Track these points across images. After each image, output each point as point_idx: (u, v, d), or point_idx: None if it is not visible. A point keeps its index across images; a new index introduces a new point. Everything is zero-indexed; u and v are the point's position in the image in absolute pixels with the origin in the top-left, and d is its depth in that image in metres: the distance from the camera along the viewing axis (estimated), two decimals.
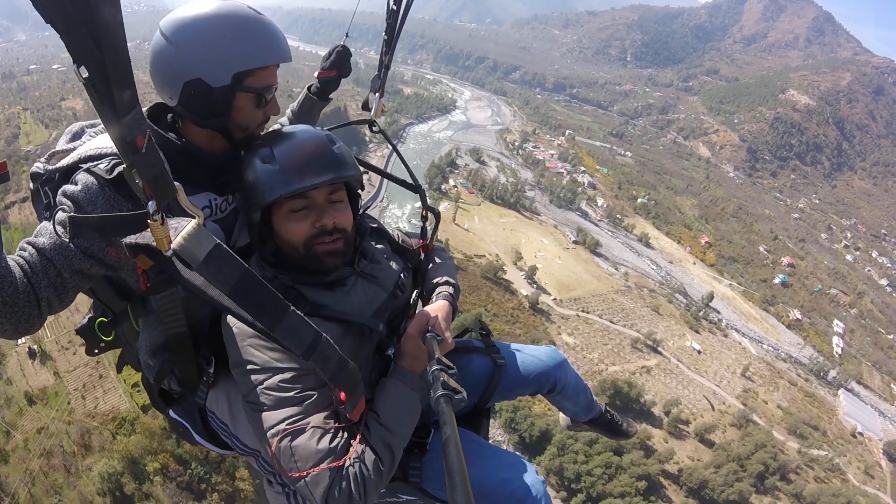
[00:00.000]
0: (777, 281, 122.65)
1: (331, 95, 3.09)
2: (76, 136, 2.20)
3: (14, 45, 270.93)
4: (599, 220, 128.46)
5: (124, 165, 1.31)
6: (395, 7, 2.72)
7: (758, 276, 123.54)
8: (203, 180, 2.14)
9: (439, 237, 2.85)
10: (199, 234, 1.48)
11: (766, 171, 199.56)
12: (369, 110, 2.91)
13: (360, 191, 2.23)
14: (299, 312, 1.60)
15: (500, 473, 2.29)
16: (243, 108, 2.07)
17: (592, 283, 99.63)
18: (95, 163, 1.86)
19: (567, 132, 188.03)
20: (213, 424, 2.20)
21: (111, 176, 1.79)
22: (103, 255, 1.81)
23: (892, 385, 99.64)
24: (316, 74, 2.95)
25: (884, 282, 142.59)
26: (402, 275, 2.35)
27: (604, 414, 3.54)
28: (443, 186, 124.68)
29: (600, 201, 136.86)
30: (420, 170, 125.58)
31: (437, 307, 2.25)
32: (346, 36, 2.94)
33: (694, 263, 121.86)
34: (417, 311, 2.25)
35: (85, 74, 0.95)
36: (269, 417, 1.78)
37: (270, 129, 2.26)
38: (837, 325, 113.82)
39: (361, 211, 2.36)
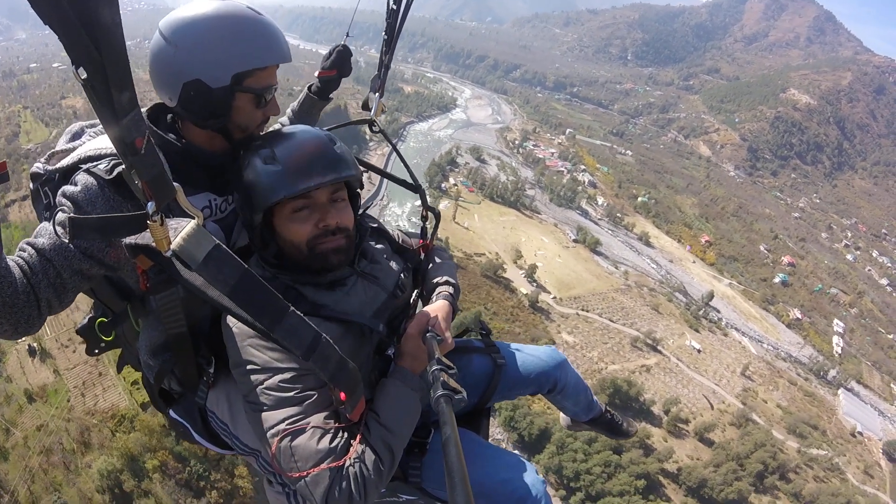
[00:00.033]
0: (777, 280, 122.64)
1: (331, 95, 3.09)
2: (76, 136, 2.19)
3: (14, 44, 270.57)
4: (599, 219, 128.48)
5: (124, 166, 1.31)
6: (395, 7, 2.71)
7: (758, 275, 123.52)
8: (203, 181, 2.13)
9: (439, 236, 2.85)
10: (199, 234, 1.48)
11: (766, 171, 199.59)
12: (369, 110, 2.90)
13: (359, 190, 2.23)
14: (299, 313, 1.60)
15: (501, 473, 2.29)
16: (243, 109, 2.06)
17: (592, 281, 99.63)
18: (95, 163, 1.85)
19: (567, 131, 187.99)
20: (213, 424, 2.20)
21: (111, 176, 1.79)
22: (103, 256, 1.80)
23: (891, 385, 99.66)
24: (316, 74, 2.95)
25: (884, 281, 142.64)
26: (402, 275, 2.35)
27: (604, 414, 3.54)
28: (443, 185, 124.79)
29: (600, 200, 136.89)
30: (420, 168, 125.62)
31: (437, 307, 2.25)
32: (347, 35, 2.94)
33: (694, 262, 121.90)
34: (417, 311, 2.25)
35: (84, 76, 0.94)
36: (269, 417, 1.77)
37: (269, 130, 2.25)
38: (837, 325, 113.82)
39: (362, 210, 2.36)
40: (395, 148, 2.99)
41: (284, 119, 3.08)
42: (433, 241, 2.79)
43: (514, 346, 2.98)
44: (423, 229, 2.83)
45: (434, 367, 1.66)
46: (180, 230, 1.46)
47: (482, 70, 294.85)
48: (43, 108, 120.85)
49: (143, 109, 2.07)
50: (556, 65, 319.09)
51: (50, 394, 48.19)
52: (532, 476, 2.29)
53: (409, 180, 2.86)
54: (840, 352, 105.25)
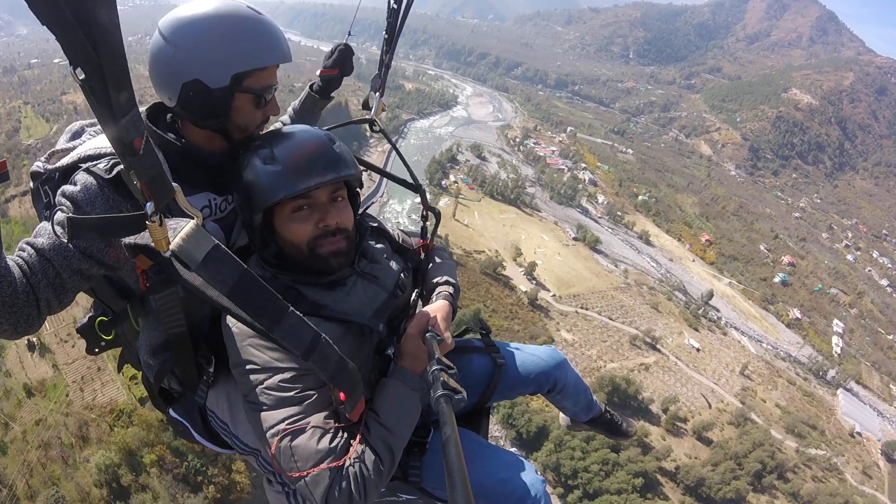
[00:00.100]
0: (777, 280, 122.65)
1: (332, 94, 3.09)
2: (76, 135, 2.19)
3: (15, 40, 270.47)
4: (600, 217, 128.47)
5: (122, 166, 1.31)
6: (395, 6, 2.70)
7: (758, 274, 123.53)
8: (202, 180, 2.12)
9: (439, 233, 2.86)
10: (198, 234, 1.47)
11: (767, 170, 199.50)
12: (370, 109, 2.90)
13: (359, 189, 2.23)
14: (298, 313, 1.60)
15: (500, 473, 2.28)
16: (242, 109, 2.05)
17: (592, 279, 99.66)
18: (95, 162, 1.84)
19: (568, 129, 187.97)
20: (213, 424, 2.20)
21: (110, 176, 1.78)
22: (102, 256, 1.80)
23: (891, 385, 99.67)
24: (318, 73, 2.94)
25: (884, 282, 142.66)
26: (402, 274, 2.34)
27: (603, 414, 3.54)
28: (443, 182, 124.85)
29: (601, 198, 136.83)
30: (421, 165, 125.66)
31: (437, 307, 2.25)
32: (349, 34, 2.93)
33: (693, 261, 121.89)
34: (417, 311, 2.25)
35: (81, 76, 0.94)
36: (269, 417, 1.77)
37: (268, 130, 2.24)
38: (837, 325, 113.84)
39: (362, 209, 2.36)
40: (395, 148, 3.00)
41: (285, 118, 3.08)
42: (433, 241, 2.80)
43: (513, 345, 2.98)
44: (424, 229, 2.83)
45: (434, 367, 1.66)
46: (179, 230, 1.46)
47: (483, 67, 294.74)
48: (43, 103, 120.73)
49: (143, 109, 2.06)
50: (557, 63, 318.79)
51: (49, 388, 48.22)
52: (532, 475, 2.29)
53: (410, 180, 2.86)
54: (839, 352, 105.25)
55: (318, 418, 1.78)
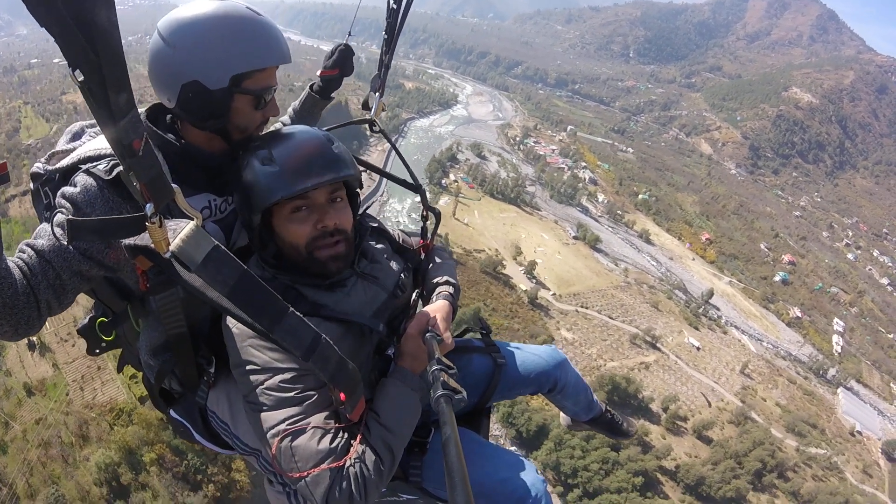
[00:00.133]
0: (777, 278, 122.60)
1: (332, 94, 3.09)
2: (76, 136, 2.19)
3: (15, 40, 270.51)
4: (600, 216, 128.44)
5: (122, 167, 1.32)
6: (395, 6, 2.70)
7: (758, 273, 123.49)
8: (202, 181, 2.12)
9: (439, 232, 2.86)
10: (198, 235, 1.47)
11: (767, 169, 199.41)
12: (369, 109, 2.90)
13: (359, 190, 2.23)
14: (298, 313, 1.59)
15: (501, 473, 2.28)
16: (242, 111, 2.04)
17: (592, 278, 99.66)
18: (94, 163, 1.84)
19: (568, 128, 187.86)
20: (213, 424, 2.21)
21: (110, 177, 1.78)
22: (102, 258, 1.80)
23: (891, 384, 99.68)
24: (318, 73, 2.94)
25: (885, 281, 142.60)
26: (402, 275, 2.34)
27: (604, 413, 3.53)
28: (443, 181, 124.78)
29: (601, 197, 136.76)
30: (421, 164, 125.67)
31: (437, 307, 2.25)
32: (349, 35, 2.93)
33: (693, 260, 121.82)
34: (417, 311, 2.24)
35: (80, 78, 0.94)
36: (270, 417, 1.77)
37: (268, 130, 2.24)
38: (837, 324, 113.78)
39: (362, 209, 2.36)
40: (395, 149, 3.00)
41: (285, 118, 3.07)
42: (433, 241, 2.79)
43: (514, 345, 2.97)
44: (424, 229, 2.83)
45: (434, 367, 1.66)
46: (179, 231, 1.46)
47: (484, 66, 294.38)
48: (44, 103, 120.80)
49: (142, 109, 2.06)
50: (557, 61, 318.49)
51: (49, 387, 48.28)
52: (532, 475, 2.28)
53: (410, 180, 2.86)
54: (840, 351, 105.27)
55: (318, 419, 1.78)
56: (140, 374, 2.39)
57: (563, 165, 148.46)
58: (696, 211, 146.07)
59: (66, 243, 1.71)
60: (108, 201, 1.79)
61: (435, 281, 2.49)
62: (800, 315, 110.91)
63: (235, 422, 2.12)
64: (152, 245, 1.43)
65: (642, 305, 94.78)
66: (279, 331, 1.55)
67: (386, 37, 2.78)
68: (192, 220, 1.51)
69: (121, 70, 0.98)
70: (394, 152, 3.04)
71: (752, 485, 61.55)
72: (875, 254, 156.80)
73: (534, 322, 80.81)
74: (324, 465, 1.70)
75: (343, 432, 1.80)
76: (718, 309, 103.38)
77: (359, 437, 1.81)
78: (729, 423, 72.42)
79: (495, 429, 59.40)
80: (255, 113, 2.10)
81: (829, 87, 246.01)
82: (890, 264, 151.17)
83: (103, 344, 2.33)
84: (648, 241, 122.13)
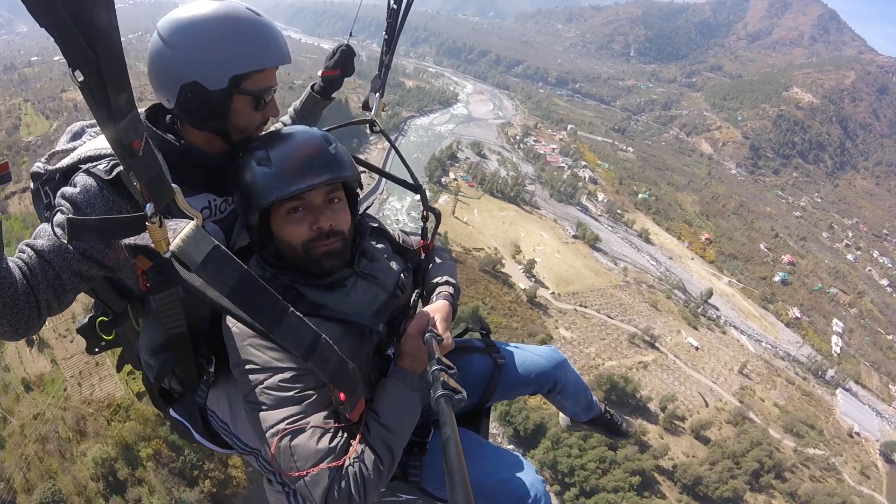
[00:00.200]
0: (777, 279, 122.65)
1: (333, 94, 3.09)
2: (76, 135, 2.19)
3: (16, 37, 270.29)
4: (599, 215, 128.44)
5: (122, 167, 1.32)
6: (395, 6, 2.69)
7: (758, 273, 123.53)
8: (201, 182, 2.12)
9: (438, 231, 2.85)
10: (198, 235, 1.48)
11: (768, 169, 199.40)
12: (370, 110, 2.90)
13: (359, 190, 2.22)
14: (298, 313, 1.59)
15: (500, 473, 2.28)
16: (241, 111, 2.04)
17: (591, 277, 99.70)
18: (94, 163, 1.84)
19: (569, 127, 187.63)
20: (213, 424, 2.20)
21: (110, 177, 1.78)
22: (102, 257, 1.80)
23: (890, 385, 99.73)
24: (320, 73, 2.94)
25: (884, 282, 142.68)
26: (402, 275, 2.34)
27: (603, 414, 3.53)
28: (443, 179, 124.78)
29: (601, 196, 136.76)
30: (421, 162, 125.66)
31: (437, 307, 2.24)
32: (350, 35, 2.93)
33: (693, 259, 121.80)
34: (417, 311, 2.24)
35: (80, 78, 0.94)
36: (269, 417, 1.77)
37: (268, 131, 2.23)
38: (837, 325, 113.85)
39: (362, 210, 2.36)
40: (396, 149, 3.00)
41: (286, 118, 3.07)
42: (433, 241, 2.79)
43: (513, 345, 2.97)
44: (424, 229, 2.83)
45: (434, 367, 1.65)
46: (179, 231, 1.46)
47: (484, 65, 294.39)
48: (44, 101, 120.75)
49: (142, 109, 2.06)
50: (558, 60, 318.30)
51: (47, 383, 48.28)
52: (532, 475, 2.29)
53: (410, 180, 2.86)
54: (839, 352, 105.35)
55: (317, 418, 1.77)
56: (138, 371, 2.39)
57: (563, 164, 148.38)
58: (696, 210, 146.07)
59: (66, 243, 1.70)
60: (108, 201, 1.79)
61: (435, 281, 2.49)
62: (799, 315, 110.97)
63: (235, 421, 2.12)
64: (152, 245, 1.43)
65: (641, 305, 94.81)
66: (279, 331, 1.55)
67: (386, 37, 2.78)
68: (193, 219, 1.51)
69: (121, 70, 0.98)
70: (394, 151, 3.04)
71: (749, 485, 61.63)
72: (875, 255, 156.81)
73: (532, 321, 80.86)
74: (323, 465, 1.70)
75: (342, 432, 1.80)
76: (717, 309, 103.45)
77: (358, 437, 1.81)
78: (727, 423, 72.47)
79: (493, 427, 59.40)
80: (255, 113, 2.09)
81: (830, 87, 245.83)
82: (890, 265, 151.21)
83: (102, 343, 2.33)
84: (648, 241, 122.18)
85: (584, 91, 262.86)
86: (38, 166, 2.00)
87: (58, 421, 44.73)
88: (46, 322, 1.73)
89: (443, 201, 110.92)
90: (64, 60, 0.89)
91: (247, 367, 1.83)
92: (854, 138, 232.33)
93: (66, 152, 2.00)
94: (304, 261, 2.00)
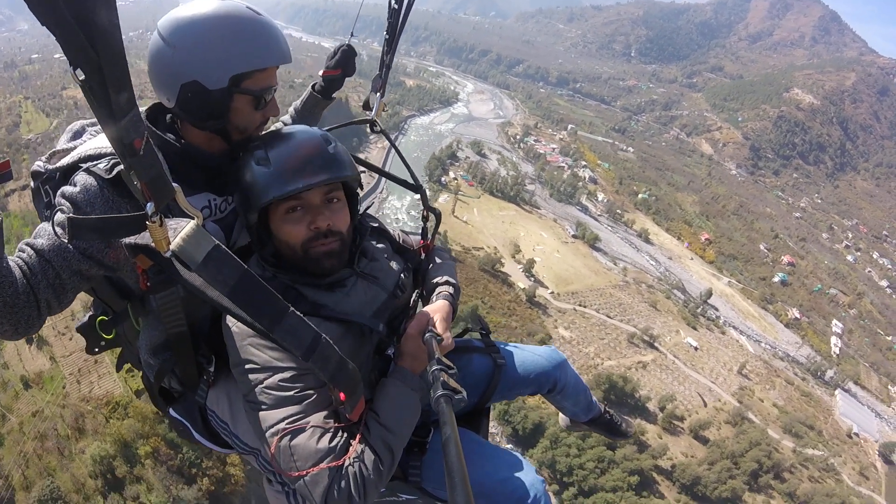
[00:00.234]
0: (776, 279, 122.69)
1: (334, 94, 3.09)
2: (77, 134, 2.19)
3: (16, 35, 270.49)
4: (599, 215, 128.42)
5: (122, 166, 1.32)
6: (396, 6, 2.69)
7: (757, 273, 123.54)
8: (201, 181, 2.11)
9: (438, 230, 2.85)
10: (198, 235, 1.47)
11: (768, 170, 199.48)
12: (370, 109, 2.90)
13: (359, 190, 2.22)
14: (299, 313, 1.59)
15: (500, 473, 2.28)
16: (241, 111, 2.03)
17: (590, 277, 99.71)
18: (95, 162, 1.84)
19: (569, 126, 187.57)
20: (213, 423, 2.20)
21: (110, 176, 1.77)
22: (102, 257, 1.80)
23: (889, 386, 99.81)
24: (321, 73, 2.94)
25: (884, 283, 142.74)
26: (402, 275, 2.34)
27: (603, 414, 3.53)
28: (443, 179, 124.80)
29: (601, 196, 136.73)
30: (421, 162, 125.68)
31: (437, 307, 2.24)
32: (351, 35, 2.93)
33: (692, 259, 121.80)
34: (417, 311, 2.24)
35: (81, 77, 0.94)
36: (269, 416, 1.77)
37: (269, 130, 2.23)
38: (836, 325, 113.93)
39: (363, 209, 2.35)
40: (396, 149, 3.00)
41: (286, 118, 3.07)
42: (433, 241, 2.79)
43: (513, 345, 2.97)
44: (424, 229, 2.82)
45: (434, 367, 1.65)
46: (179, 230, 1.46)
47: (485, 65, 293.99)
48: (44, 98, 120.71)
49: (142, 109, 2.05)
50: (559, 60, 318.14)
51: (46, 380, 48.30)
52: (531, 475, 2.29)
53: (410, 180, 2.86)
54: (838, 352, 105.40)
55: (317, 418, 1.77)
56: (138, 370, 2.39)
57: (563, 164, 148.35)
58: (696, 211, 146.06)
59: (66, 242, 1.70)
60: (108, 200, 1.79)
61: (435, 281, 2.49)
62: (798, 316, 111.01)
63: (235, 421, 2.12)
64: (153, 244, 1.43)
65: (640, 305, 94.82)
66: (279, 331, 1.55)
67: (387, 36, 2.78)
68: (193, 219, 1.52)
69: (121, 69, 0.98)
70: (394, 150, 3.04)
71: (748, 485, 61.65)
72: (875, 256, 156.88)
73: (532, 320, 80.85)
74: (323, 465, 1.70)
75: (342, 432, 1.80)
76: (717, 309, 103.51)
77: (358, 437, 1.81)
78: (726, 423, 72.47)
79: (491, 427, 59.10)
80: (255, 113, 2.09)
81: (831, 88, 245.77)
82: (889, 266, 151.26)
83: (102, 342, 2.33)
84: (647, 241, 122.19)
85: (585, 91, 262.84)
86: (39, 165, 2.00)
87: (56, 418, 44.74)
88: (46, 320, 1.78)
89: (443, 200, 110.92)
90: (65, 58, 0.90)
91: (247, 366, 1.83)
92: (854, 139, 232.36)
93: (67, 151, 1.99)
94: (302, 260, 2.00)
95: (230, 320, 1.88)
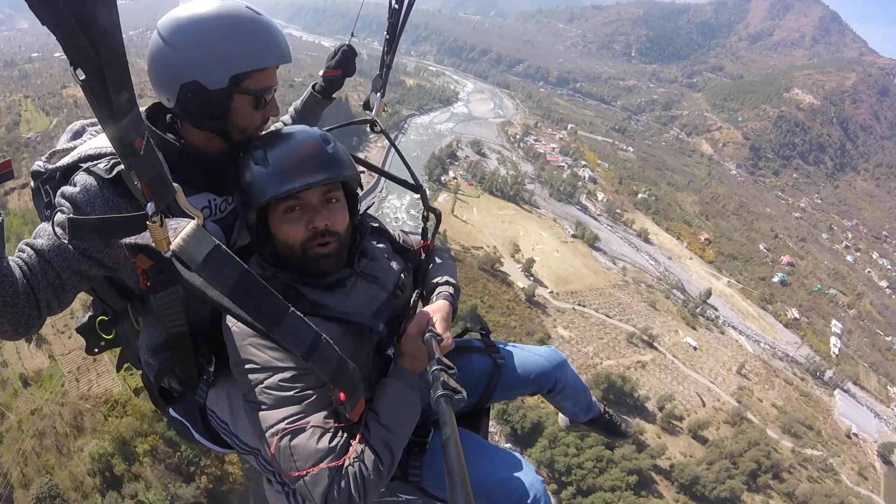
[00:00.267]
0: (776, 279, 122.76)
1: (334, 95, 3.09)
2: (77, 134, 2.19)
3: (16, 34, 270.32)
4: (599, 215, 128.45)
5: (123, 166, 1.32)
6: (396, 6, 2.69)
7: (757, 273, 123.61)
8: (201, 181, 2.11)
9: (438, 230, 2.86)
10: (199, 235, 1.47)
11: (768, 170, 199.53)
12: (371, 109, 2.90)
13: (359, 190, 2.22)
14: (299, 313, 1.59)
15: (500, 473, 2.28)
16: (241, 111, 2.03)
17: (590, 276, 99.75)
18: (94, 162, 1.84)
19: (569, 126, 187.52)
20: (213, 423, 2.20)
21: (110, 176, 1.77)
22: (102, 257, 1.79)
23: (888, 387, 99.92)
24: (321, 73, 2.93)
25: (883, 283, 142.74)
26: (402, 275, 2.34)
27: (602, 414, 3.53)
28: (442, 178, 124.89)
29: (600, 196, 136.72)
30: (420, 161, 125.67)
31: (437, 307, 2.24)
32: (352, 35, 2.93)
33: (691, 259, 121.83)
34: (417, 311, 2.24)
35: (82, 77, 0.94)
36: (269, 416, 1.77)
37: (269, 130, 2.23)
38: (835, 326, 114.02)
39: (364, 209, 2.36)
40: (397, 150, 3.00)
41: (286, 118, 3.07)
42: (434, 242, 2.79)
43: (513, 345, 2.96)
44: (424, 229, 2.82)
45: (434, 367, 1.65)
46: (180, 230, 1.46)
47: (485, 64, 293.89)
48: (44, 97, 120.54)
49: (142, 109, 2.04)
50: (559, 60, 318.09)
51: (45, 378, 48.26)
52: (531, 476, 2.29)
53: (410, 180, 2.86)
54: (837, 353, 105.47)
55: (317, 418, 1.77)
56: (137, 370, 2.38)
57: (562, 164, 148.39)
58: (696, 211, 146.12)
59: (66, 242, 1.70)
60: (108, 200, 1.79)
61: (435, 281, 2.49)
62: (798, 316, 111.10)
63: (235, 421, 2.12)
64: (153, 244, 1.43)
65: (640, 304, 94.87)
66: (280, 331, 1.55)
67: (388, 36, 2.77)
68: (193, 219, 1.52)
69: (122, 69, 0.98)
70: (393, 149, 3.04)
71: (746, 485, 61.71)
72: (874, 256, 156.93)
73: (531, 319, 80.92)
74: (323, 465, 1.70)
75: (342, 432, 1.80)
76: (716, 309, 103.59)
77: (358, 437, 1.81)
78: (725, 423, 72.54)
79: (490, 426, 59.39)
80: (255, 113, 2.08)
81: (831, 88, 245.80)
82: (889, 267, 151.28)
83: (102, 343, 2.33)
84: (647, 241, 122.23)
85: (585, 91, 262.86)
86: (39, 165, 2.00)
87: (55, 416, 44.72)
88: None
89: (442, 199, 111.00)
90: (64, 56, 0.91)
91: (247, 366, 1.83)
92: (854, 140, 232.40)
93: (67, 151, 1.99)
94: (300, 260, 2.00)
95: (230, 320, 1.88)
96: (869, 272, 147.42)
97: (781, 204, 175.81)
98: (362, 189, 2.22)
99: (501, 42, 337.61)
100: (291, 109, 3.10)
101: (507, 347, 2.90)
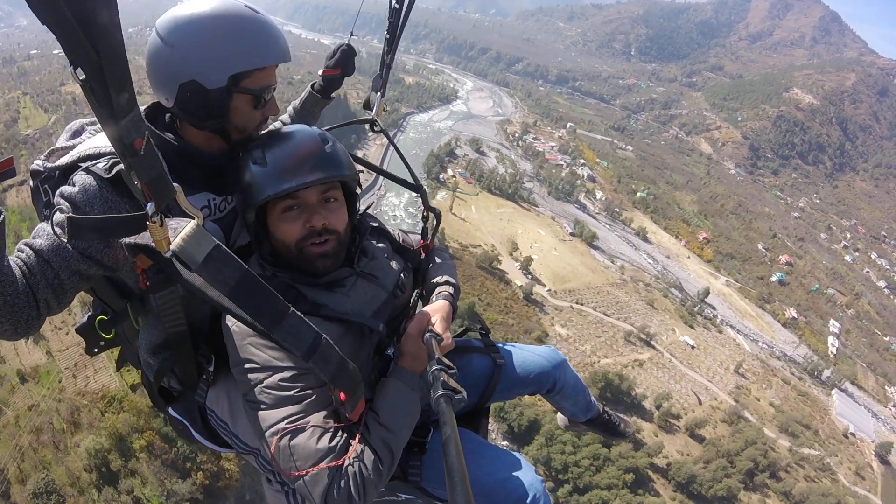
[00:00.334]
0: (774, 279, 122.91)
1: (333, 94, 3.09)
2: (76, 133, 2.18)
3: (15, 31, 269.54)
4: (597, 213, 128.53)
5: (122, 166, 1.30)
6: (396, 6, 2.69)
7: (755, 273, 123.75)
8: (200, 181, 2.11)
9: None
10: (199, 235, 1.47)
11: (767, 169, 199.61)
12: (371, 109, 2.90)
13: (357, 190, 2.22)
14: (299, 313, 1.60)
15: (500, 473, 2.28)
16: (240, 110, 2.02)
17: (588, 275, 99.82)
18: (94, 162, 1.83)
19: (568, 125, 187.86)
20: (212, 423, 2.20)
21: (109, 175, 1.76)
22: (101, 257, 1.79)
23: (886, 387, 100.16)
24: (320, 72, 2.92)
25: (882, 283, 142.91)
26: (402, 274, 2.33)
27: (601, 414, 3.54)
28: (441, 176, 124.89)
29: (599, 194, 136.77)
30: (419, 159, 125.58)
31: (437, 307, 2.25)
32: (351, 34, 2.92)
33: (689, 258, 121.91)
34: (417, 311, 2.24)
35: (82, 76, 0.93)
36: (269, 416, 1.77)
37: (268, 129, 2.22)
38: (833, 325, 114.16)
39: (364, 209, 2.36)
40: (397, 149, 3.00)
41: (285, 117, 3.06)
42: (433, 241, 2.79)
43: (513, 345, 2.96)
44: (424, 229, 2.82)
45: (434, 367, 1.64)
46: (180, 230, 1.46)
47: (484, 62, 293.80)
48: (42, 94, 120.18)
49: (141, 108, 2.00)
50: (558, 58, 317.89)
51: (42, 375, 48.30)
52: (531, 476, 2.29)
53: (410, 179, 2.85)
54: (835, 352, 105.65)
55: (317, 417, 1.77)
56: (136, 368, 2.38)
57: (561, 162, 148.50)
58: (695, 210, 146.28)
59: (65, 242, 1.69)
60: (107, 200, 1.78)
61: (435, 281, 2.49)
62: (796, 316, 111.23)
63: (234, 420, 2.11)
64: (153, 244, 1.43)
65: (638, 303, 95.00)
66: (280, 331, 1.56)
67: (388, 36, 2.77)
68: (193, 219, 1.52)
69: (122, 69, 0.98)
70: (393, 148, 3.03)
71: (743, 484, 61.84)
72: (873, 256, 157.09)
73: (528, 318, 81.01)
74: (322, 464, 1.69)
75: (342, 431, 1.80)
76: (714, 308, 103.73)
77: (358, 437, 1.80)
78: (722, 421, 72.69)
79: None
80: (255, 112, 2.07)
81: (831, 88, 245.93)
82: (887, 267, 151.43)
83: (102, 342, 2.31)
84: (645, 239, 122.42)
85: (584, 89, 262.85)
86: (38, 164, 1.98)
87: (52, 412, 44.77)
88: None
89: (440, 198, 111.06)
90: (63, 54, 0.90)
91: (246, 365, 1.82)
92: (854, 140, 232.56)
93: (66, 150, 1.98)
94: (296, 259, 2.00)
95: (230, 320, 1.87)
96: (867, 272, 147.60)
97: (780, 203, 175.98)
98: (361, 188, 2.21)
99: (501, 40, 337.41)
100: (290, 109, 3.09)
101: (506, 347, 2.90)
